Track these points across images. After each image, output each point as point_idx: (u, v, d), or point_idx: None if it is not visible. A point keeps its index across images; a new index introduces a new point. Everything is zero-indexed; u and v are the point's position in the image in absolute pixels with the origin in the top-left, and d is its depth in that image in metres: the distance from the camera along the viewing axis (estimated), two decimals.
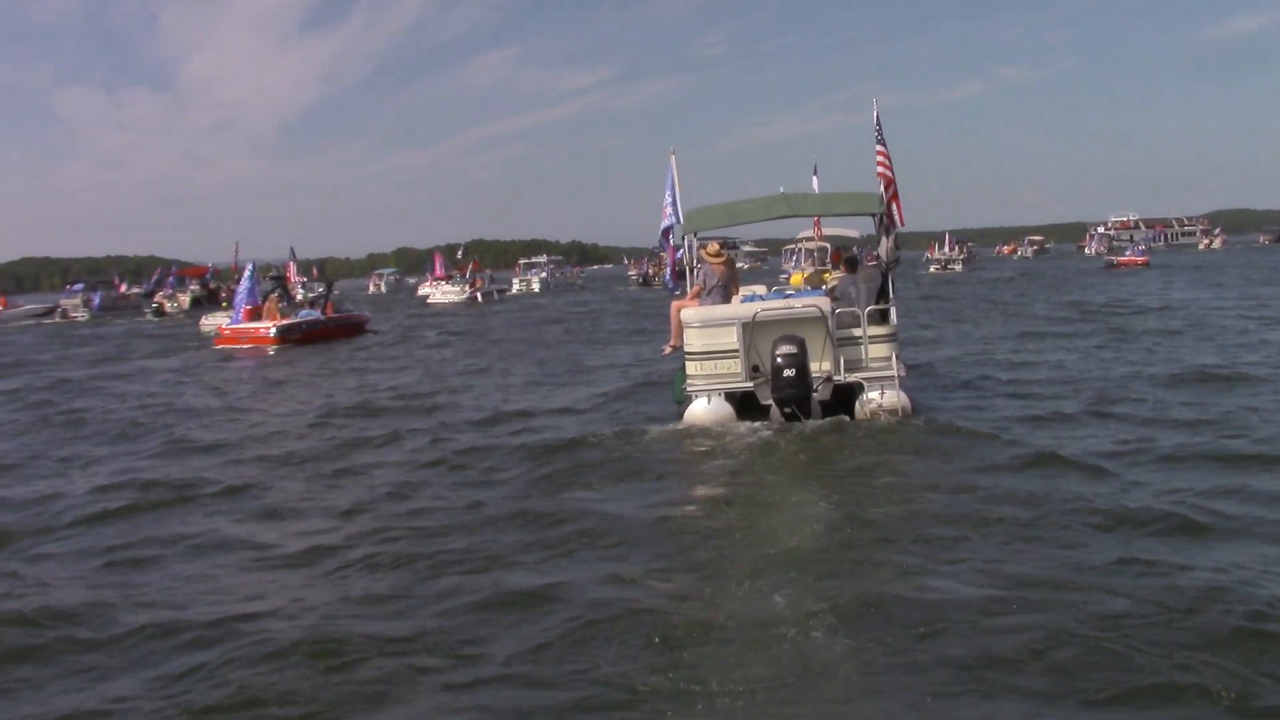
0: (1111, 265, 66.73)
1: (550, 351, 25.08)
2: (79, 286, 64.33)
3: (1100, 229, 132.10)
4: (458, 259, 69.19)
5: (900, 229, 12.59)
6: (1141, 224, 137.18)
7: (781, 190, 12.81)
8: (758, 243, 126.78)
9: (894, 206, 12.41)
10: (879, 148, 12.49)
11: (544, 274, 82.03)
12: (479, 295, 60.48)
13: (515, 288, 74.35)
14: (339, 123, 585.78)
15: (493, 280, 69.92)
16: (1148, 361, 16.71)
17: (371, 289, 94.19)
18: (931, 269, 75.13)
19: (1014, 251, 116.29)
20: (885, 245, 12.49)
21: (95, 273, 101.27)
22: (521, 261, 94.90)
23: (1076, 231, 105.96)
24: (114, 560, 8.06)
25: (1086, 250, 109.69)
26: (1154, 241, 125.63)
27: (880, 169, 12.51)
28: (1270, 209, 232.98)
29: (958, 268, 74.86)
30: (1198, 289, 38.11)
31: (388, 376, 20.93)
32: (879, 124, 12.57)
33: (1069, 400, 13.21)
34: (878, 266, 12.68)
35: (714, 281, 12.57)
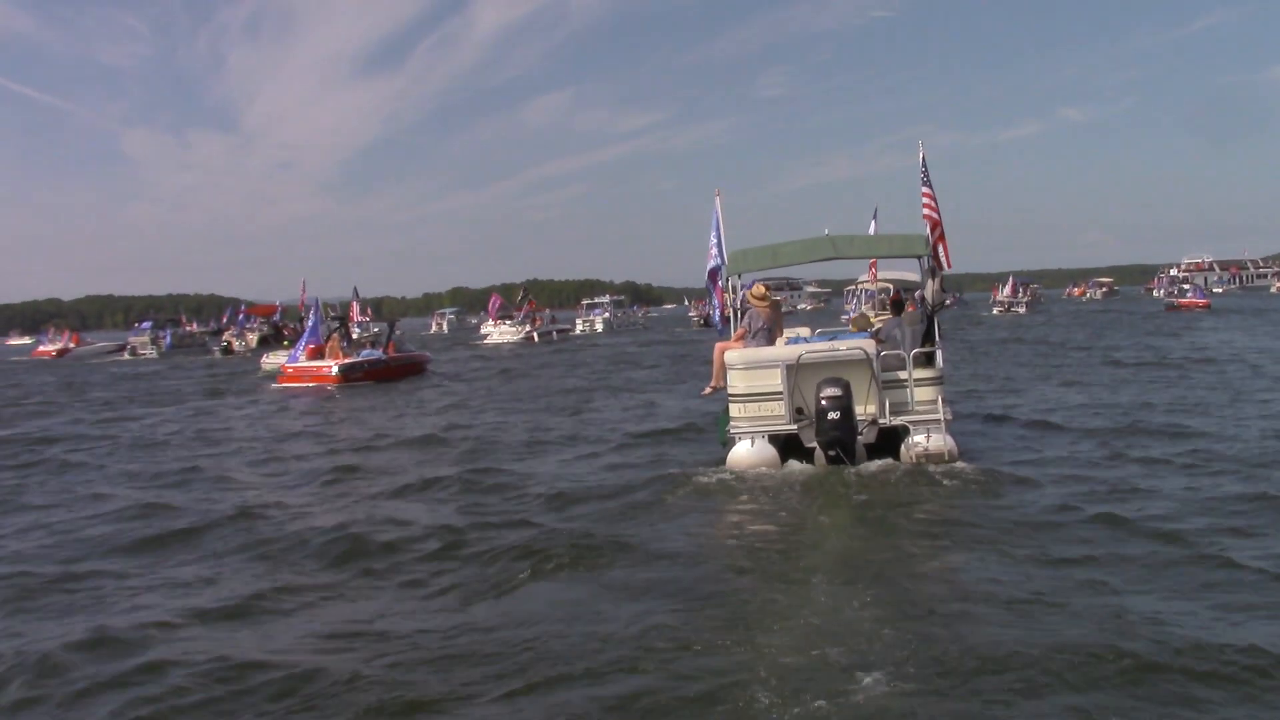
0: (1172, 307, 65.78)
1: (605, 398, 25.08)
2: (147, 325, 65.78)
3: (1174, 270, 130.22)
4: (517, 299, 69.58)
5: (947, 271, 12.46)
6: (1215, 265, 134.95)
7: (826, 232, 12.75)
8: (820, 284, 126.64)
9: (940, 249, 12.29)
10: (925, 189, 12.38)
11: (607, 314, 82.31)
12: (536, 335, 60.60)
13: (579, 328, 74.64)
14: (398, 163, 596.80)
15: (553, 320, 70.16)
16: (1200, 412, 16.27)
17: (434, 328, 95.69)
18: (995, 310, 74.83)
19: (1083, 294, 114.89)
20: (931, 287, 12.36)
21: (157, 310, 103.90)
22: (584, 302, 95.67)
23: (1146, 273, 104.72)
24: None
25: (1155, 293, 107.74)
26: (1229, 284, 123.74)
27: (926, 210, 12.40)
28: None
29: (1021, 310, 74.42)
30: (1245, 335, 36.98)
31: (440, 418, 21.11)
32: (925, 165, 12.47)
33: (1119, 450, 12.87)
34: (924, 309, 12.54)
35: (759, 324, 12.52)
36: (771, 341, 12.42)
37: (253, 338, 59.76)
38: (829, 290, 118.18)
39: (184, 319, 74.24)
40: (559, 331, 65.55)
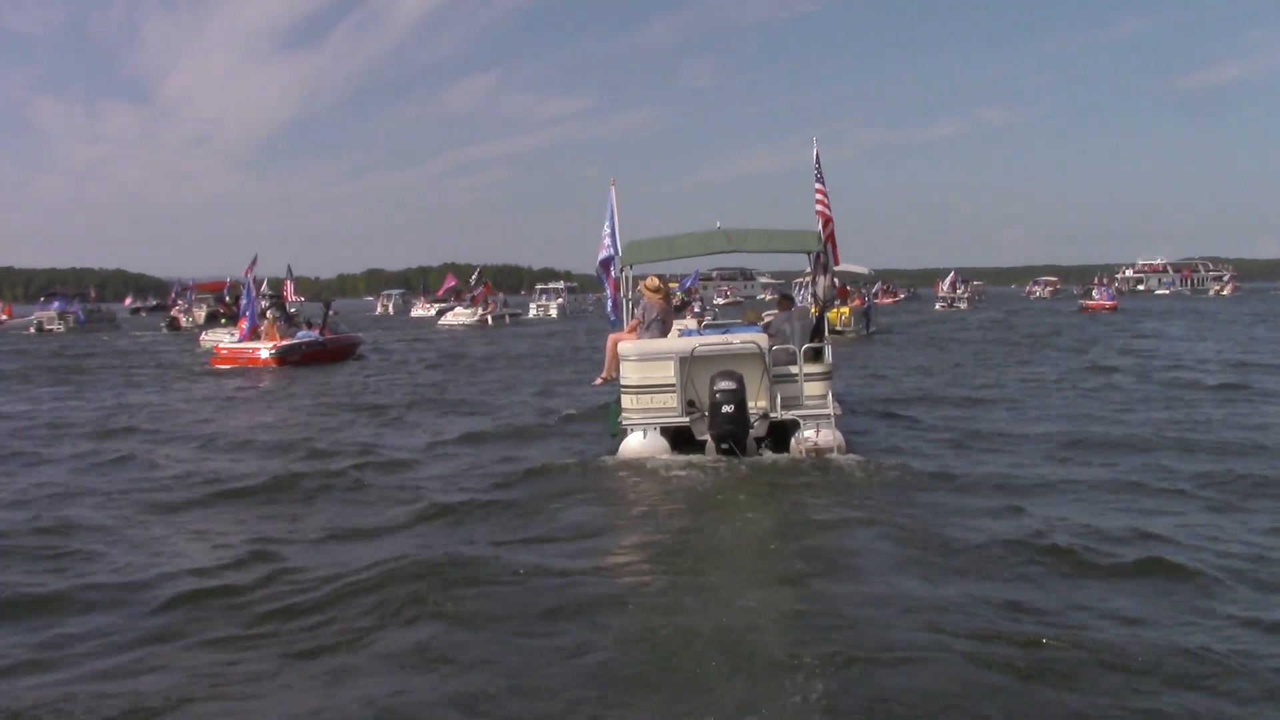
0: (1083, 309, 66.63)
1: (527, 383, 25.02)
2: (57, 304, 64.62)
3: (1129, 270, 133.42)
4: (470, 282, 69.51)
5: (837, 268, 12.54)
6: (1170, 267, 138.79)
7: (719, 225, 12.76)
8: (775, 275, 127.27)
9: (830, 245, 12.37)
10: (818, 186, 12.44)
11: (561, 299, 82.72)
12: (490, 319, 60.73)
13: (532, 311, 75.28)
14: (317, 142, 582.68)
15: (506, 304, 70.28)
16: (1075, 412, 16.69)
17: (379, 309, 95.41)
18: (938, 305, 76.01)
19: (1033, 292, 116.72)
20: (822, 283, 12.43)
21: (62, 285, 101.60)
22: (538, 287, 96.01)
23: (1091, 272, 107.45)
24: None
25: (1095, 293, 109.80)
26: (1180, 285, 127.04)
27: (819, 207, 12.47)
28: None
29: (962, 306, 75.58)
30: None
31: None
32: (819, 163, 12.54)
33: (1001, 441, 13.29)
34: (820, 303, 12.63)
35: (652, 315, 12.55)
36: (664, 333, 12.47)
37: (200, 314, 58.91)
38: (782, 281, 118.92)
39: (93, 294, 73.32)
40: (511, 315, 65.90)
